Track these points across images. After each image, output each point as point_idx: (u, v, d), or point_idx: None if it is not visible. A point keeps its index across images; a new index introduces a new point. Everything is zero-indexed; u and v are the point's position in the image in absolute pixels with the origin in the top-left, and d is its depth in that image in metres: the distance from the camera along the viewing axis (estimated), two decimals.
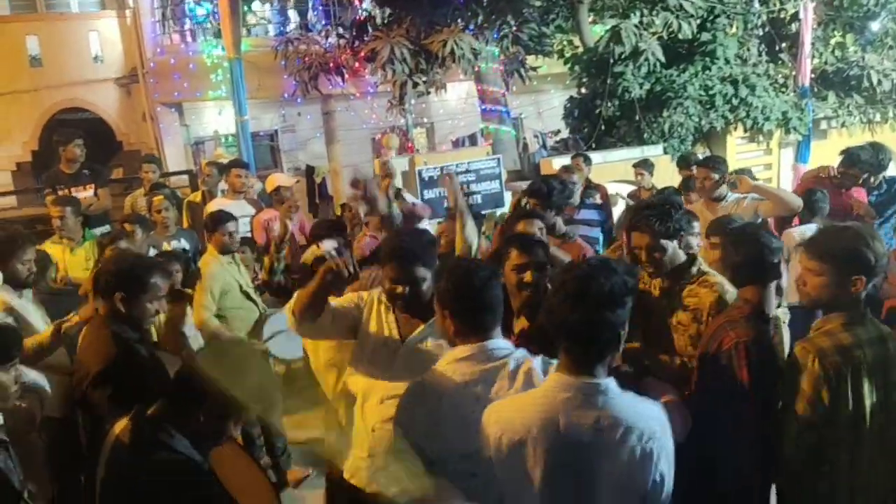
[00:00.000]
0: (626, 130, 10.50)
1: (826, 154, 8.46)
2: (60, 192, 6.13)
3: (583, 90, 11.23)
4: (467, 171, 7.56)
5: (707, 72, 10.25)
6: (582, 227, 5.69)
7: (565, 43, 11.96)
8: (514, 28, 10.31)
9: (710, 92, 10.14)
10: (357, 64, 10.44)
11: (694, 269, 3.22)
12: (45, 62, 15.04)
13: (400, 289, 2.71)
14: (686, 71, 10.24)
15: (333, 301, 2.86)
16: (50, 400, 3.34)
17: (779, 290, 2.83)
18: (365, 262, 3.70)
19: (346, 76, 10.82)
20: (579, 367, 1.97)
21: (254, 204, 6.58)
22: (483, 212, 7.36)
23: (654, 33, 10.11)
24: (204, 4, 15.12)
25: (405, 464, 2.36)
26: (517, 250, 3.23)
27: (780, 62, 11.55)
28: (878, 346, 2.45)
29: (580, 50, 11.27)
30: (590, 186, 7.08)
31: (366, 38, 10.38)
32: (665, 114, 10.13)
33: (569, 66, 11.45)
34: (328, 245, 4.00)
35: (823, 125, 11.52)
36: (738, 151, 10.54)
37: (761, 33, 11.45)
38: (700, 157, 8.03)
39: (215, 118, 16.19)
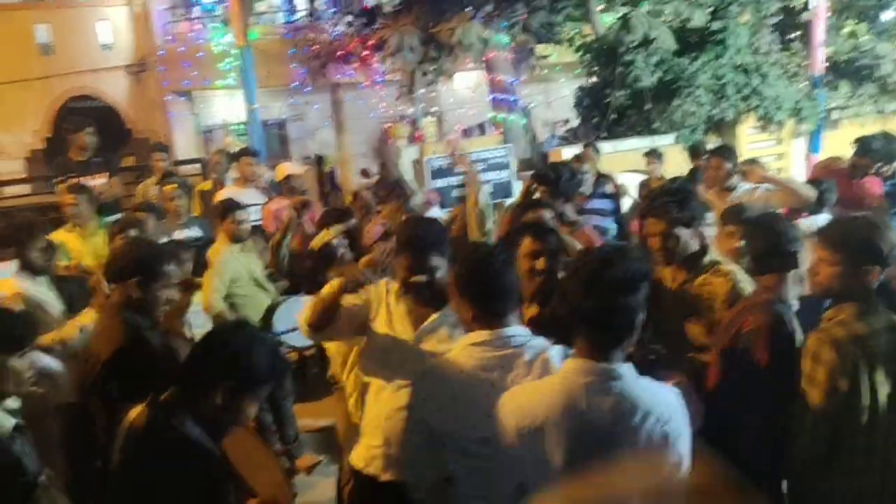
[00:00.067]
0: (636, 120, 10.45)
1: (838, 144, 8.41)
2: (71, 181, 6.15)
3: (593, 79, 11.18)
4: (477, 161, 7.52)
5: (718, 61, 10.17)
6: (594, 216, 5.67)
7: (575, 31, 11.88)
8: (524, 16, 10.26)
9: (722, 81, 10.07)
10: (366, 52, 10.45)
11: (706, 259, 3.21)
12: (55, 50, 15.09)
13: (415, 278, 2.70)
14: (697, 60, 10.16)
15: (343, 302, 2.86)
16: (65, 385, 3.37)
17: (801, 279, 2.84)
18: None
19: (355, 65, 10.83)
20: (596, 352, 1.98)
21: (264, 192, 6.59)
22: (493, 201, 7.35)
23: (665, 21, 10.04)
24: None
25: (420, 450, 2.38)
26: (530, 237, 3.22)
27: (792, 51, 11.47)
28: (891, 336, 2.44)
29: (590, 38, 11.21)
30: (602, 176, 7.06)
31: (375, 27, 10.38)
32: (676, 103, 10.06)
33: (579, 54, 11.39)
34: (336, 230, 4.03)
35: (835, 115, 11.45)
36: (749, 141, 10.47)
37: (773, 22, 11.36)
38: (711, 147, 8.00)
39: (224, 106, 16.22)
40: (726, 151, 5.22)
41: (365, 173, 13.13)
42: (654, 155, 7.70)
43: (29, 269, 3.98)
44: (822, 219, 4.08)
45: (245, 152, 6.90)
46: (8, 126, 14.71)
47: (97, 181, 6.30)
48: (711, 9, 10.11)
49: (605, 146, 8.58)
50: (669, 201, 3.17)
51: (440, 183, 7.48)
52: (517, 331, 2.29)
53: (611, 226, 5.69)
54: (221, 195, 6.07)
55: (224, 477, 2.16)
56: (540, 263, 3.18)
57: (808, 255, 2.76)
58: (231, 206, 5.01)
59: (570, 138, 11.23)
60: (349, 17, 11.19)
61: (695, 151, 7.52)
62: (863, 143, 5.78)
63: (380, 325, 2.82)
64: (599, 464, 1.96)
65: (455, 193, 7.28)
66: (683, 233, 3.18)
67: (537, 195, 4.41)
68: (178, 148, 14.33)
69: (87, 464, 2.98)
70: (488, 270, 2.26)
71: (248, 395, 2.17)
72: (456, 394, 2.25)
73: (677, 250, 3.18)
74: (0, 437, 2.42)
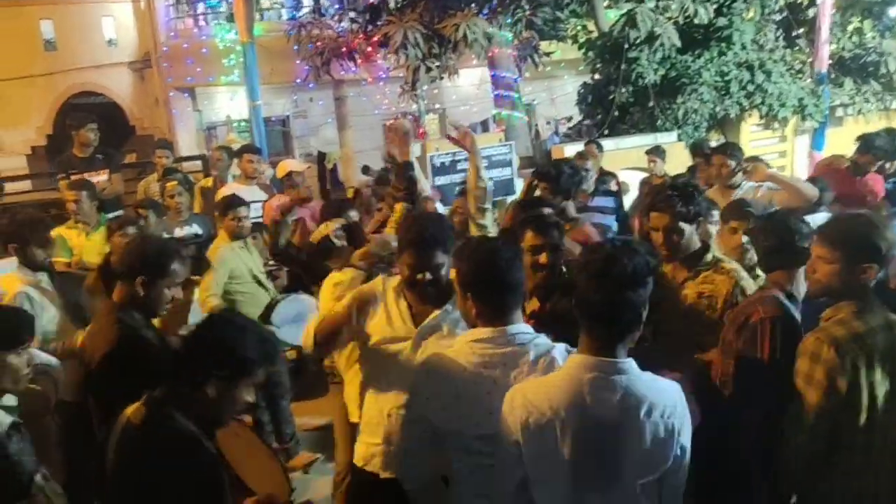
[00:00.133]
0: (639, 117, 10.43)
1: (842, 141, 8.37)
2: (73, 177, 6.16)
3: (596, 76, 11.16)
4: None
5: (723, 57, 10.14)
6: (595, 214, 5.65)
7: (579, 28, 11.85)
8: (528, 12, 10.25)
9: (726, 78, 10.05)
10: (370, 49, 10.42)
11: (709, 257, 3.20)
12: (59, 46, 15.12)
13: (420, 276, 2.67)
14: (701, 56, 10.14)
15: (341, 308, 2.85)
16: (64, 383, 3.37)
17: None
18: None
19: (359, 61, 10.81)
20: (601, 347, 2.00)
21: (266, 189, 6.58)
22: (495, 198, 7.33)
23: (669, 18, 10.01)
24: None
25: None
26: (532, 231, 3.21)
27: (796, 48, 11.42)
28: (888, 334, 2.44)
29: (594, 35, 11.18)
30: (605, 173, 7.04)
31: (379, 23, 10.36)
32: (679, 100, 10.04)
33: (583, 51, 11.36)
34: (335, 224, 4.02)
35: (840, 112, 11.40)
36: (752, 139, 10.44)
37: (778, 18, 11.32)
38: (714, 144, 7.97)
39: (228, 103, 16.24)
40: (731, 149, 5.20)
41: (367, 170, 13.12)
42: (656, 152, 7.68)
43: (30, 265, 3.98)
44: (820, 217, 4.07)
45: (247, 149, 6.89)
46: (11, 122, 14.75)
47: (100, 178, 6.31)
48: (716, 5, 10.07)
49: (608, 143, 8.56)
50: (674, 195, 3.15)
51: (442, 180, 7.46)
52: (521, 328, 2.28)
53: (612, 223, 5.67)
54: (223, 192, 6.07)
55: (221, 472, 2.16)
56: (543, 258, 3.17)
57: None
58: (232, 203, 5.00)
59: (573, 135, 11.20)
60: (353, 14, 11.18)
61: (697, 149, 7.49)
62: (865, 141, 5.77)
63: (378, 324, 2.80)
64: (606, 458, 1.97)
65: (458, 189, 7.26)
66: (687, 228, 3.17)
67: (538, 192, 4.40)
68: (181, 145, 14.36)
69: (85, 462, 2.98)
70: (495, 266, 2.24)
71: (242, 381, 2.17)
72: (459, 392, 2.24)
73: (681, 245, 3.17)
74: None
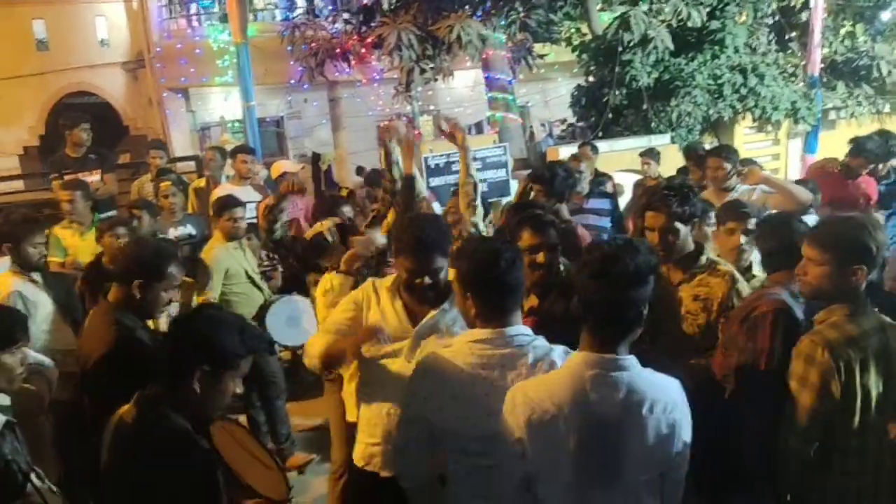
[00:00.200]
0: (633, 119, 10.46)
1: (834, 145, 8.41)
2: (67, 177, 6.14)
3: (590, 78, 11.18)
4: (474, 160, 7.50)
5: (716, 60, 10.18)
6: (591, 216, 5.66)
7: (573, 30, 11.88)
8: (522, 14, 10.25)
9: (719, 81, 10.09)
10: (364, 50, 10.40)
11: (703, 259, 3.20)
12: (51, 46, 15.05)
13: (419, 280, 2.67)
14: (695, 59, 10.17)
15: (340, 322, 2.85)
16: (58, 382, 3.36)
17: None
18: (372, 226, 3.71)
19: (353, 62, 10.79)
20: (603, 344, 2.02)
21: (260, 190, 6.57)
22: (489, 200, 7.33)
23: (663, 21, 10.02)
24: None
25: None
26: (529, 231, 3.21)
27: (789, 51, 11.48)
28: (881, 337, 2.45)
29: (588, 37, 11.20)
30: (601, 175, 7.06)
31: (373, 24, 10.35)
32: (673, 103, 10.08)
33: (576, 53, 11.38)
34: (328, 223, 4.02)
35: (832, 115, 11.47)
36: (745, 141, 10.48)
37: (771, 22, 11.37)
38: (707, 146, 8.00)
39: (221, 104, 16.20)
40: (726, 151, 5.22)
41: (361, 171, 13.11)
42: (650, 155, 7.70)
43: (23, 264, 3.97)
44: (810, 220, 4.10)
45: (241, 149, 6.87)
46: (3, 122, 14.67)
47: (93, 178, 6.29)
48: (709, 8, 10.11)
49: (602, 145, 8.57)
50: (670, 195, 3.16)
51: (437, 181, 7.46)
52: (520, 330, 2.28)
53: (607, 225, 5.68)
54: (217, 193, 6.05)
55: (215, 469, 2.15)
56: (540, 257, 3.18)
57: None
58: (228, 204, 4.99)
59: (567, 137, 11.22)
60: (347, 15, 11.17)
61: (690, 152, 7.52)
62: (857, 144, 5.80)
63: (377, 319, 2.79)
64: (609, 454, 1.98)
65: (453, 189, 7.27)
66: (682, 229, 3.17)
67: (533, 195, 4.40)
68: (175, 145, 14.31)
69: (80, 461, 2.97)
70: (495, 267, 2.24)
71: (226, 374, 2.17)
72: (456, 392, 2.24)
73: (675, 246, 3.18)
74: None
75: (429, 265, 2.65)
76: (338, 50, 10.58)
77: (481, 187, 7.40)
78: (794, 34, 11.38)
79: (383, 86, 13.59)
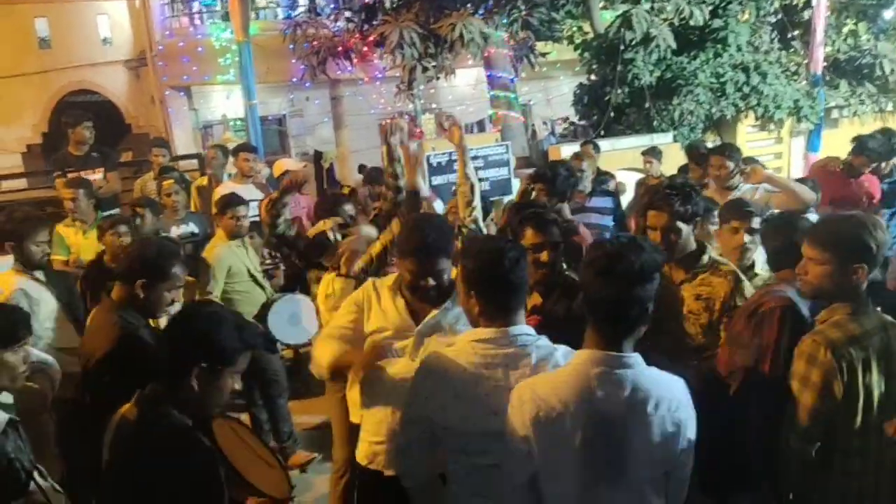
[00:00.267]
0: (635, 118, 10.45)
1: (837, 143, 8.41)
2: (69, 175, 6.15)
3: (592, 77, 11.18)
4: (476, 158, 7.49)
5: (718, 59, 10.17)
6: (593, 214, 5.66)
7: (575, 28, 11.88)
8: (524, 13, 10.24)
9: (721, 79, 10.07)
10: (366, 48, 10.39)
11: (705, 258, 3.20)
12: (54, 44, 15.08)
13: (423, 282, 2.67)
14: (697, 58, 10.17)
15: (343, 325, 2.86)
16: (61, 381, 3.37)
17: None
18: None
19: (355, 61, 10.78)
20: (609, 342, 2.02)
21: (262, 188, 6.57)
22: (491, 198, 7.33)
23: (665, 19, 10.02)
24: None
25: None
26: (533, 229, 3.22)
27: (792, 50, 11.47)
28: (883, 336, 2.45)
29: (590, 36, 11.20)
30: (604, 173, 7.06)
31: (375, 22, 10.34)
32: (675, 101, 10.07)
33: (579, 52, 11.38)
34: (331, 222, 4.01)
35: (835, 114, 11.45)
36: (748, 140, 10.47)
37: (773, 20, 11.36)
38: (709, 145, 7.98)
39: (223, 102, 16.21)
40: (729, 150, 5.21)
41: (363, 169, 13.11)
42: (652, 153, 7.69)
43: (26, 262, 3.97)
44: (812, 219, 4.10)
45: (243, 147, 6.88)
46: (6, 120, 14.70)
47: (95, 176, 6.30)
48: (712, 7, 10.09)
49: (603, 144, 8.58)
50: (672, 194, 3.16)
51: (439, 180, 7.46)
52: (523, 329, 2.28)
53: (609, 224, 5.67)
54: (220, 191, 6.06)
55: (217, 467, 2.16)
56: (544, 256, 3.19)
57: None
58: (231, 202, 4.99)
59: (569, 136, 11.21)
60: (349, 13, 11.16)
61: (692, 150, 7.51)
62: (859, 143, 5.80)
63: (373, 323, 2.80)
64: (615, 452, 1.98)
65: (453, 189, 7.27)
66: (684, 228, 3.17)
67: (535, 194, 4.40)
68: (178, 143, 14.33)
69: (83, 459, 2.98)
70: (499, 265, 2.24)
71: (224, 371, 2.17)
72: (459, 392, 2.24)
73: (677, 245, 3.18)
74: None
75: (432, 268, 2.66)
76: (340, 48, 10.57)
77: (483, 186, 7.43)
78: (796, 32, 11.37)
79: (385, 84, 13.59)
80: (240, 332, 2.20)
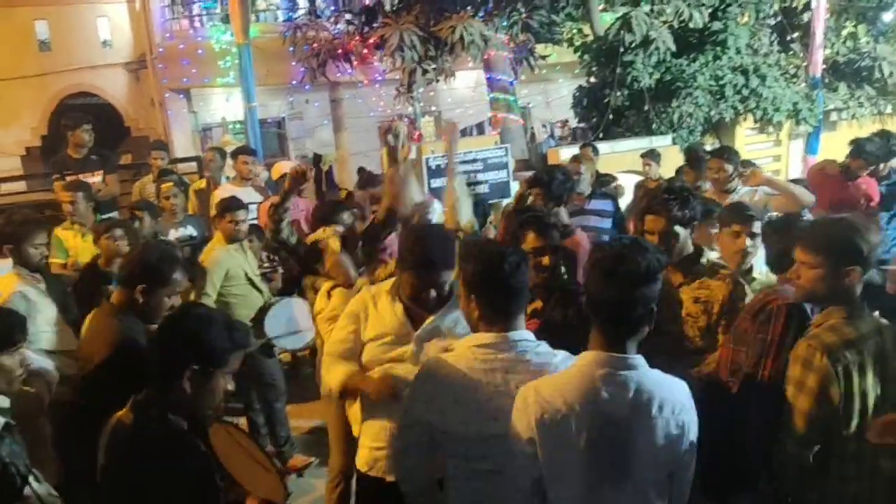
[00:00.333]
0: (634, 120, 10.45)
1: (836, 146, 8.39)
2: (68, 178, 6.15)
3: (592, 79, 11.18)
4: (475, 161, 7.51)
5: (717, 61, 10.17)
6: (592, 217, 5.65)
7: (575, 31, 11.88)
8: (524, 15, 10.26)
9: (721, 82, 10.08)
10: (366, 51, 10.39)
11: (703, 261, 3.20)
12: (53, 47, 15.07)
13: (425, 294, 2.67)
14: (696, 60, 10.17)
15: (343, 339, 2.86)
16: (59, 384, 3.36)
17: None
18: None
19: (355, 63, 10.78)
20: (613, 343, 2.03)
21: (261, 191, 6.58)
22: (490, 201, 7.33)
23: (664, 22, 10.03)
24: None
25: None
26: (534, 233, 3.24)
27: (791, 52, 11.48)
28: (879, 339, 2.44)
29: (590, 38, 11.21)
30: (604, 176, 7.07)
31: (375, 25, 10.35)
32: (674, 104, 10.07)
33: (578, 54, 11.38)
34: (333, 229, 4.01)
35: (834, 117, 11.45)
36: (747, 143, 10.48)
37: (773, 23, 11.38)
38: (708, 148, 7.99)
39: (223, 105, 16.21)
40: (728, 153, 5.22)
41: (363, 172, 13.10)
42: (651, 156, 7.69)
43: (25, 265, 3.97)
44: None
45: (242, 150, 6.89)
46: (5, 123, 14.70)
47: (94, 178, 6.30)
48: (711, 9, 10.10)
49: (603, 146, 8.58)
50: (670, 199, 3.16)
51: (438, 182, 7.46)
52: (523, 335, 2.28)
53: (608, 227, 5.66)
54: (219, 194, 6.06)
55: (212, 471, 2.15)
56: (545, 260, 3.20)
57: None
58: (231, 206, 4.96)
59: (568, 138, 11.21)
60: (349, 16, 11.17)
61: (691, 153, 7.52)
62: (857, 146, 5.81)
63: (372, 331, 2.80)
64: (619, 453, 1.99)
65: None
66: (682, 232, 3.18)
67: (531, 199, 4.40)
68: (177, 146, 14.33)
69: (79, 463, 2.97)
70: (500, 270, 2.24)
71: (216, 372, 2.17)
72: (458, 397, 2.24)
73: (675, 249, 3.18)
74: None
75: (434, 282, 2.66)
76: (339, 51, 10.57)
77: (482, 189, 7.43)
78: (795, 35, 11.38)
79: (385, 87, 13.59)
80: (230, 333, 2.20)
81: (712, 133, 10.61)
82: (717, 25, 10.13)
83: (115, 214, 6.37)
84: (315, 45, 10.61)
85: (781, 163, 10.92)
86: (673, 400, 2.02)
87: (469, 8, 9.98)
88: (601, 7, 11.43)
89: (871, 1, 11.22)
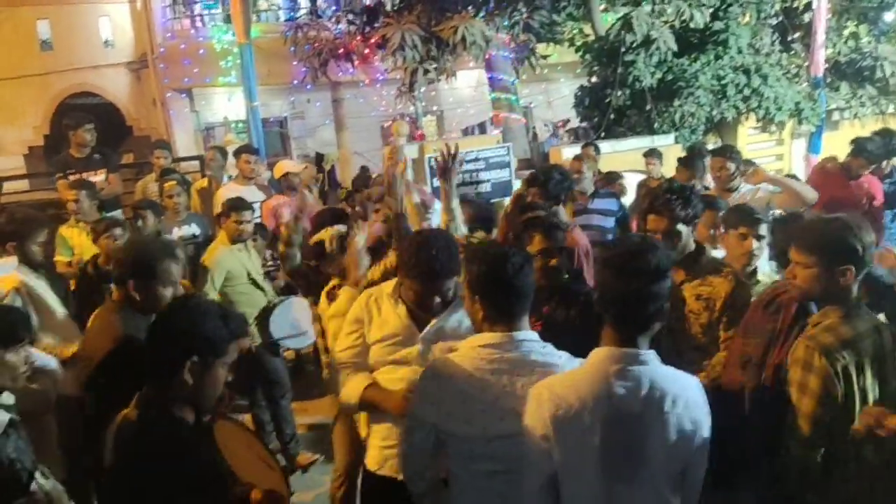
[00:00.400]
0: (636, 120, 10.45)
1: (838, 145, 8.40)
2: (71, 177, 6.16)
3: (593, 79, 11.17)
4: (477, 160, 7.52)
5: (719, 61, 10.17)
6: (595, 216, 5.65)
7: (576, 31, 11.88)
8: (525, 15, 10.26)
9: (722, 82, 10.07)
10: (367, 50, 10.41)
11: (704, 259, 3.21)
12: (55, 46, 15.09)
13: (429, 301, 2.67)
14: (698, 60, 10.16)
15: (352, 345, 2.86)
16: (64, 379, 3.37)
17: None
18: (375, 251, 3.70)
19: (356, 63, 10.80)
20: (625, 339, 2.04)
21: (263, 190, 6.59)
22: (492, 200, 7.34)
23: (666, 22, 10.02)
24: None
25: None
26: (541, 235, 3.24)
27: (792, 52, 11.47)
28: (876, 338, 2.43)
29: (591, 38, 11.20)
30: (609, 174, 7.08)
31: (376, 25, 10.36)
32: (676, 103, 10.06)
33: (580, 54, 11.38)
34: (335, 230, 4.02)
35: (836, 116, 11.45)
36: (749, 142, 10.48)
37: (774, 23, 11.36)
38: (710, 147, 7.99)
39: (225, 104, 16.23)
40: (730, 151, 5.22)
41: (364, 171, 13.13)
42: (653, 155, 7.70)
43: (28, 263, 3.98)
44: None
45: (244, 149, 6.90)
46: (7, 122, 14.73)
47: (97, 178, 6.32)
48: (713, 9, 10.10)
49: (604, 146, 8.59)
50: (672, 198, 3.17)
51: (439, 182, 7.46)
52: (528, 335, 2.29)
53: (611, 226, 5.66)
54: (221, 193, 6.06)
55: (217, 466, 2.16)
56: (553, 261, 3.20)
57: None
58: (236, 206, 4.97)
59: (570, 138, 11.22)
60: (350, 15, 11.18)
61: (692, 152, 7.52)
62: (858, 145, 5.81)
63: (376, 333, 2.80)
64: (633, 449, 2.00)
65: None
66: (684, 230, 3.18)
67: (529, 198, 4.39)
68: (179, 145, 14.35)
69: (86, 459, 2.98)
70: (504, 271, 2.25)
71: (216, 362, 2.16)
72: (465, 397, 2.25)
73: (678, 248, 3.19)
74: None
75: (439, 289, 2.65)
76: (341, 50, 10.58)
77: (484, 188, 7.42)
78: (797, 35, 11.37)
79: (386, 86, 13.60)
80: (225, 322, 2.19)
81: (715, 132, 10.60)
82: (718, 25, 10.12)
83: (118, 213, 6.38)
84: (316, 44, 10.62)
85: (784, 162, 10.91)
86: (686, 396, 2.04)
87: (470, 8, 9.99)
88: (602, 7, 11.42)
89: (873, 1, 11.21)
